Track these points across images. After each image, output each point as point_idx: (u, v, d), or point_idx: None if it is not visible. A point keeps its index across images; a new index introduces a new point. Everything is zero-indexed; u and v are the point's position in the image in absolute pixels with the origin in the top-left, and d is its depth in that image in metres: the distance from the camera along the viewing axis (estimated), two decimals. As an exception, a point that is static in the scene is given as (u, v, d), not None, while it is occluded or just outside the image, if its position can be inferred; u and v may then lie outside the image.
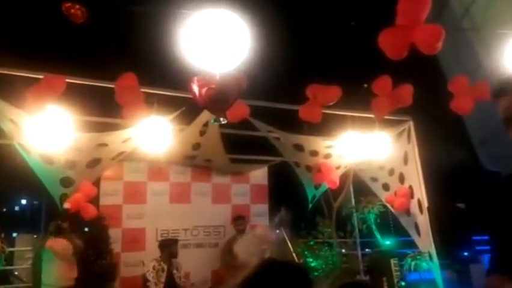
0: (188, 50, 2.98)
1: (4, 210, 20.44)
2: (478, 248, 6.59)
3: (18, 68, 4.73)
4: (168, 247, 5.98)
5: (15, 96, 4.58)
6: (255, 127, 6.19)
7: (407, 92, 5.24)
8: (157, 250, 6.01)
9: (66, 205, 5.47)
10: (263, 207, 7.66)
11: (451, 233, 6.04)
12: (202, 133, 6.16)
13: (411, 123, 6.77)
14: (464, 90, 5.02)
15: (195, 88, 3.27)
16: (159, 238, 6.52)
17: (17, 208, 22.59)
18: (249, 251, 6.12)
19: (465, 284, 6.21)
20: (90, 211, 5.65)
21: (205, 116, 5.57)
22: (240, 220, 6.84)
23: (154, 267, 5.74)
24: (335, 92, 5.15)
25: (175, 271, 5.95)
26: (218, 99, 3.30)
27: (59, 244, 5.44)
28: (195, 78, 3.20)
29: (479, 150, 7.24)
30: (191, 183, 7.23)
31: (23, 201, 22.49)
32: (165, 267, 5.84)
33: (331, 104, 5.27)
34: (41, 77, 4.50)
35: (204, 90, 3.23)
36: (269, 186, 7.92)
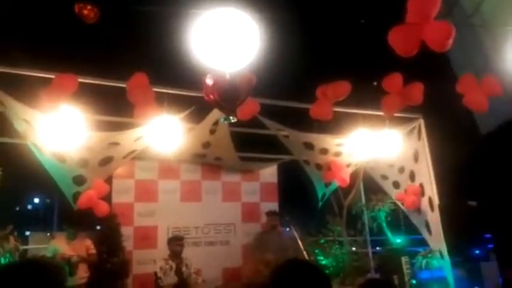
0: (198, 49, 3.01)
1: (17, 209, 20.70)
2: (489, 246, 6.54)
3: (31, 68, 4.81)
4: (170, 244, 5.98)
5: (29, 96, 4.66)
6: (265, 125, 6.21)
7: (417, 90, 5.22)
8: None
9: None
10: (273, 206, 7.67)
11: (462, 231, 5.98)
12: (212, 132, 6.19)
13: (421, 121, 6.74)
14: (472, 88, 4.99)
15: (205, 87, 3.31)
16: (170, 236, 6.56)
17: (29, 207, 22.87)
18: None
19: (476, 282, 6.16)
20: (102, 208, 5.71)
21: (215, 114, 5.60)
22: (274, 215, 6.74)
23: (161, 268, 5.70)
24: (344, 87, 5.14)
25: (184, 268, 5.94)
26: (228, 98, 3.33)
27: (82, 247, 5.58)
28: (205, 77, 3.24)
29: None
30: (201, 182, 7.29)
31: (36, 200, 22.76)
32: (173, 265, 5.80)
33: (341, 99, 5.25)
34: (54, 77, 4.56)
35: (214, 89, 3.26)
36: (279, 184, 7.95)
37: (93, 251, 5.69)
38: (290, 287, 1.57)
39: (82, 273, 5.55)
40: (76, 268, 5.44)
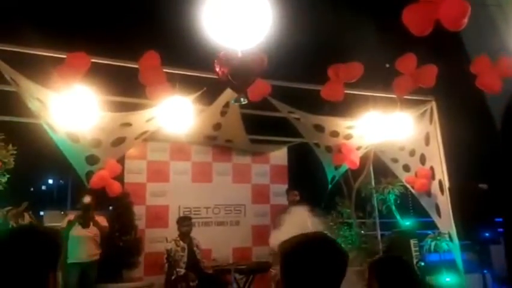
0: (210, 28, 3.01)
1: (31, 189, 20.99)
2: (499, 229, 6.53)
3: (44, 48, 4.84)
4: (180, 224, 6.07)
5: (42, 76, 4.70)
6: (275, 108, 6.21)
7: (430, 72, 5.16)
8: (180, 227, 6.15)
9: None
10: (282, 188, 7.72)
11: (472, 214, 5.97)
12: (223, 113, 6.21)
13: (433, 104, 6.68)
14: (487, 70, 4.91)
15: (217, 65, 3.32)
16: (181, 215, 6.66)
17: (44, 187, 23.19)
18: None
19: (485, 265, 6.16)
20: (115, 188, 5.79)
21: (226, 96, 5.61)
22: (294, 191, 6.71)
23: (170, 250, 5.76)
24: (357, 68, 5.10)
25: (195, 248, 6.04)
26: (239, 77, 3.33)
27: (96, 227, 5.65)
28: (217, 55, 3.24)
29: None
30: (212, 163, 7.36)
31: (50, 181, 23.07)
32: (185, 246, 5.91)
33: (353, 81, 5.22)
34: (67, 56, 4.59)
35: (225, 68, 3.27)
36: (289, 166, 7.98)
37: (105, 223, 5.74)
38: (304, 260, 1.48)
39: (95, 251, 5.65)
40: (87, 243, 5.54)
